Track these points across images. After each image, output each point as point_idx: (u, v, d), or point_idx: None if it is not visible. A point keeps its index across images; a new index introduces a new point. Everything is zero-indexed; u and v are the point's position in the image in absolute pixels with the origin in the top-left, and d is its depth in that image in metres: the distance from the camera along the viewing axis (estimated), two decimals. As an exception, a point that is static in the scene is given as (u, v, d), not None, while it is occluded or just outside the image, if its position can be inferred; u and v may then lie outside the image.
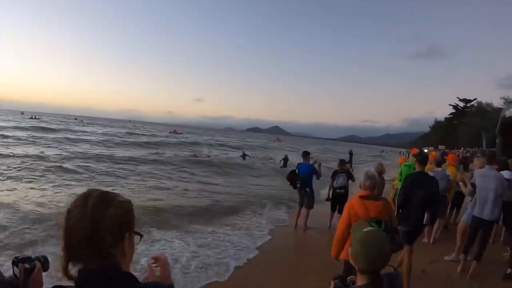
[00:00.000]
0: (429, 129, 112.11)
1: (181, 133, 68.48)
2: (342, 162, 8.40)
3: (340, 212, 7.33)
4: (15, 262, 1.31)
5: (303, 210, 8.04)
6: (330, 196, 8.03)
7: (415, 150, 11.13)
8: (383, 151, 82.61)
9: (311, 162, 8.40)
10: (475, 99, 79.10)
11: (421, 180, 4.63)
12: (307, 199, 7.93)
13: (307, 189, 7.85)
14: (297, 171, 8.03)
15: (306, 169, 7.98)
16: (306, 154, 8.22)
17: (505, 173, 5.71)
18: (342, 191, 7.83)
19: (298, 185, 7.87)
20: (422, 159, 4.96)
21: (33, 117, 71.53)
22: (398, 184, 7.10)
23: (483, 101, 77.25)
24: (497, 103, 64.99)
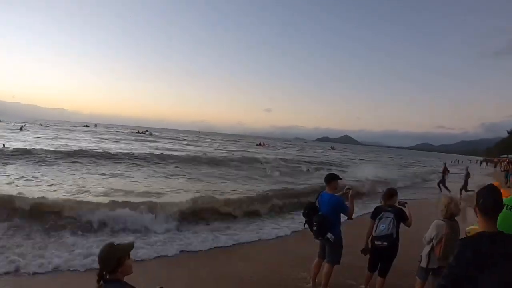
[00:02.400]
0: (507, 134, 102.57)
1: (268, 146, 68.49)
2: (389, 193, 5.11)
3: (383, 274, 5.00)
4: None
5: (325, 264, 5.25)
6: (369, 247, 5.09)
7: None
8: (457, 160, 73.85)
9: (339, 193, 5.32)
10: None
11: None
12: (330, 250, 5.12)
13: (329, 234, 4.94)
14: (317, 203, 5.19)
15: (328, 202, 5.02)
16: (331, 179, 5.14)
17: None
18: (385, 244, 4.76)
19: (315, 228, 5.03)
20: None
21: (142, 131, 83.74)
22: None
23: None
24: None
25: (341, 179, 5.21)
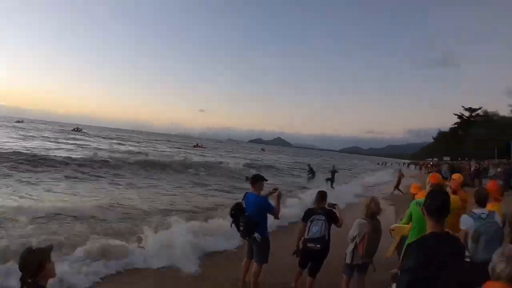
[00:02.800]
0: (432, 139, 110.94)
1: (205, 147, 69.60)
2: (320, 196, 5.23)
3: (313, 274, 5.10)
4: None
5: (253, 264, 5.31)
6: (300, 248, 5.09)
7: (435, 177, 4.97)
8: (385, 163, 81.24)
9: (265, 193, 5.37)
10: (480, 108, 77.85)
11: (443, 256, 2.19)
12: (257, 250, 5.18)
13: (255, 234, 4.97)
14: (243, 204, 5.21)
15: (254, 202, 5.06)
16: (257, 180, 5.24)
17: None
18: (319, 246, 4.79)
19: (241, 228, 5.02)
20: (440, 206, 2.35)
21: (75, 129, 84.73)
22: (400, 231, 4.69)
23: (489, 110, 75.97)
24: (504, 111, 63.66)
25: (266, 180, 5.38)
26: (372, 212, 4.58)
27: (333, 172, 21.97)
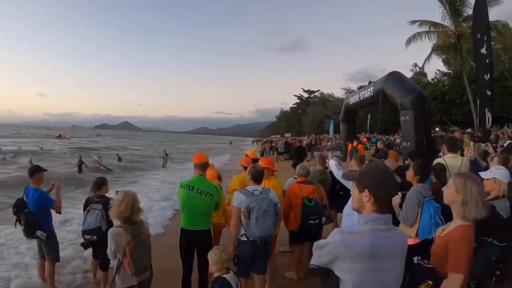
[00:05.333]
0: (275, 118, 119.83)
1: (69, 138, 66.34)
2: (96, 184, 4.91)
3: (104, 268, 4.77)
4: None
5: (46, 264, 4.96)
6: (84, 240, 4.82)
7: (250, 153, 6.24)
8: (231, 142, 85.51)
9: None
10: (318, 90, 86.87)
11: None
12: (46, 249, 4.88)
13: (39, 232, 4.68)
14: (25, 198, 4.79)
15: (32, 197, 4.70)
16: (33, 172, 4.84)
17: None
18: (95, 238, 4.52)
19: (23, 227, 4.71)
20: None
21: None
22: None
23: (325, 92, 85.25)
24: (339, 93, 72.23)
25: (46, 170, 5.06)
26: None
27: (165, 156, 26.83)
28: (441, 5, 24.42)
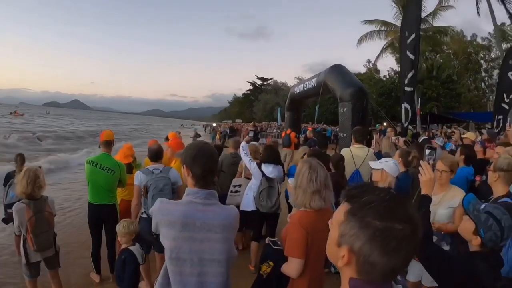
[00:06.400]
0: (228, 104, 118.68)
1: (23, 115, 68.34)
2: (20, 157, 5.38)
3: None
4: None
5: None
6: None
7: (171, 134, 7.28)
8: (182, 124, 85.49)
9: None
10: (272, 78, 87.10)
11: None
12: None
13: None
14: None
15: None
16: None
17: None
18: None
19: None
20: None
21: None
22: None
23: (279, 81, 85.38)
24: (292, 82, 72.45)
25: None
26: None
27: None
28: (395, 6, 25.11)
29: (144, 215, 3.95)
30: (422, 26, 25.44)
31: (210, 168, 1.84)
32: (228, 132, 27.98)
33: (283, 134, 13.58)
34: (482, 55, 40.05)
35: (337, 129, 26.95)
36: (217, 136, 29.83)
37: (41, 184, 3.40)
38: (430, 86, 32.05)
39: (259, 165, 4.76)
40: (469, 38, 40.87)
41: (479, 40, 40.53)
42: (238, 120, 69.06)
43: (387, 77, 45.50)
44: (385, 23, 26.42)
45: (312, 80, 13.45)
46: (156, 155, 4.19)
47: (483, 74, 40.21)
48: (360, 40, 27.18)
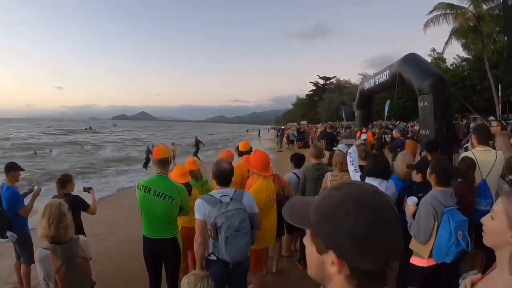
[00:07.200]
0: (291, 106, 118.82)
1: (95, 130, 70.98)
2: (60, 182, 4.53)
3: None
4: None
5: (22, 266, 4.71)
6: None
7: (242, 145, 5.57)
8: (248, 130, 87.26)
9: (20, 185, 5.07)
10: (334, 76, 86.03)
11: None
12: (20, 251, 4.66)
13: (9, 233, 4.46)
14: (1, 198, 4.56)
15: (4, 195, 4.51)
16: (8, 169, 4.61)
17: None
18: None
19: None
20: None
21: None
22: None
23: (341, 79, 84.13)
24: (355, 79, 71.09)
25: (23, 170, 4.91)
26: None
27: (197, 143, 22.81)
28: None
29: (213, 257, 3.00)
30: (491, 4, 23.72)
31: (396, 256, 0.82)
32: (296, 135, 26.99)
33: (358, 135, 12.53)
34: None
35: (409, 125, 25.86)
36: (284, 139, 27.99)
37: (68, 223, 2.57)
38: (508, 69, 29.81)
39: (362, 178, 3.80)
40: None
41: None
42: (303, 122, 69.20)
43: (455, 65, 43.07)
44: (450, 6, 24.53)
45: (384, 73, 12.56)
46: (226, 176, 3.19)
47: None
48: (426, 25, 25.22)
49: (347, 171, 4.21)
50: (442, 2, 24.22)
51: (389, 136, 14.78)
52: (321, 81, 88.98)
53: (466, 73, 35.84)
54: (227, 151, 5.28)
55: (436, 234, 2.77)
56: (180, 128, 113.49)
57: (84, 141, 37.19)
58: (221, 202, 2.94)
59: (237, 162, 4.81)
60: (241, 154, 5.08)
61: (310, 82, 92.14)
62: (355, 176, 3.88)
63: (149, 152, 18.43)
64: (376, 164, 3.72)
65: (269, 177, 3.85)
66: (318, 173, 4.85)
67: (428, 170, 3.08)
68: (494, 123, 6.70)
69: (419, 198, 3.02)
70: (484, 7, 23.10)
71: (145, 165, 18.47)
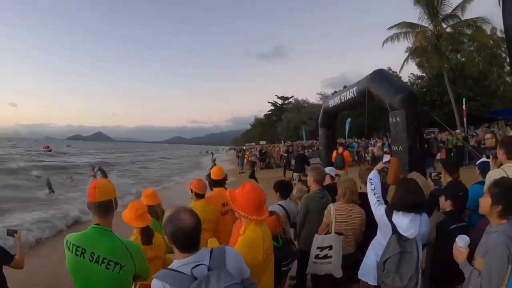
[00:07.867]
0: (249, 126, 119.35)
1: (51, 150, 63.75)
2: None
3: None
4: None
5: None
6: None
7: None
8: (207, 151, 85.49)
9: None
10: (292, 96, 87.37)
11: None
12: None
13: None
14: None
15: None
16: None
17: None
18: None
19: None
20: None
21: None
22: None
23: (299, 98, 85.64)
24: (314, 98, 72.20)
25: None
26: None
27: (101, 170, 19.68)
28: (418, 6, 24.67)
29: None
30: (451, 22, 24.83)
31: None
32: (258, 156, 26.11)
33: (334, 154, 12.43)
34: (503, 49, 39.12)
35: (371, 142, 26.01)
36: (245, 161, 26.44)
37: None
38: (464, 85, 31.32)
39: (389, 213, 3.02)
40: (488, 32, 40.07)
41: (498, 33, 39.66)
42: (262, 142, 69.15)
43: (410, 83, 44.80)
44: (411, 25, 25.71)
45: (351, 90, 12.26)
46: (193, 241, 1.82)
47: (507, 68, 39.18)
48: (386, 41, 26.53)
49: (355, 202, 3.71)
50: (404, 22, 25.30)
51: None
52: (280, 101, 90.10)
53: (424, 90, 37.15)
54: (198, 181, 4.05)
55: (508, 281, 2.19)
56: (137, 149, 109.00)
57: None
58: (195, 278, 1.67)
59: (208, 194, 4.05)
60: (214, 184, 4.29)
61: (269, 102, 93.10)
62: (378, 210, 3.11)
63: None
64: (407, 194, 2.90)
65: (263, 221, 2.48)
66: (322, 201, 4.10)
67: (490, 201, 2.32)
68: (487, 135, 6.48)
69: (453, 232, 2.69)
70: (443, 25, 24.17)
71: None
